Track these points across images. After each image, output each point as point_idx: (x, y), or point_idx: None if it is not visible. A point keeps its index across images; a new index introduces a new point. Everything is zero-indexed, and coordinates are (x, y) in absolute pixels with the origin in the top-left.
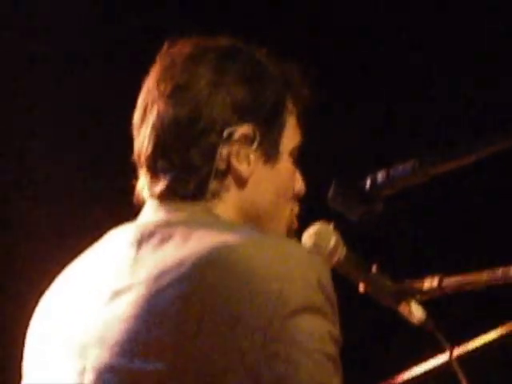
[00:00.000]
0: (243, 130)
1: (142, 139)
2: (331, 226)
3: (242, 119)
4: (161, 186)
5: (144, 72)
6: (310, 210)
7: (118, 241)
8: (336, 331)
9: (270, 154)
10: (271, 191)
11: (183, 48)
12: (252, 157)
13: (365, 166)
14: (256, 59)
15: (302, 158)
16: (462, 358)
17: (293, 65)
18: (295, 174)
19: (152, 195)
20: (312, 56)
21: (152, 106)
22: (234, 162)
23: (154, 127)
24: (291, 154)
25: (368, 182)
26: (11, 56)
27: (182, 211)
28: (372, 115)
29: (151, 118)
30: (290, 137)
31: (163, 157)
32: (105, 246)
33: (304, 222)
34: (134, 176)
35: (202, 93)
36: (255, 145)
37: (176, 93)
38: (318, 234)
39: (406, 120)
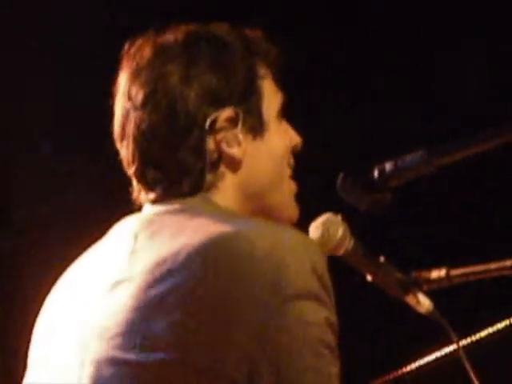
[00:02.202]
0: (225, 114)
1: (127, 153)
2: (339, 217)
3: (219, 105)
4: (155, 193)
5: None
6: (317, 202)
7: (119, 233)
8: (333, 317)
9: (256, 127)
10: (268, 162)
11: (144, 49)
12: (240, 136)
13: (372, 157)
14: (218, 40)
15: (309, 151)
16: (468, 348)
17: (254, 29)
18: (287, 132)
19: (149, 201)
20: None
21: (127, 117)
22: (225, 147)
23: (135, 140)
24: (278, 115)
25: (376, 173)
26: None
27: (180, 203)
28: (379, 107)
29: (130, 130)
30: (271, 101)
31: (153, 167)
32: (108, 239)
33: (312, 214)
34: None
35: (174, 91)
36: (240, 124)
37: (148, 100)
38: (325, 225)
39: (415, 111)
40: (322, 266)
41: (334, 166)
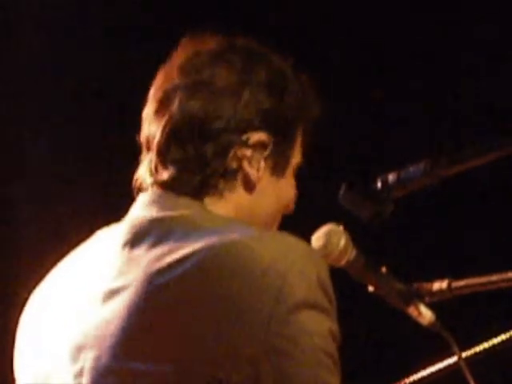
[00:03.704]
0: (260, 136)
1: (157, 125)
2: (341, 227)
3: (261, 125)
4: (167, 174)
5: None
6: (320, 212)
7: (110, 240)
8: (335, 327)
9: (278, 165)
10: (272, 204)
11: (207, 42)
12: (262, 164)
13: (375, 168)
14: (280, 68)
15: (312, 162)
16: (470, 360)
17: (307, 80)
18: (293, 188)
19: (156, 181)
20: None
21: (173, 95)
22: (246, 165)
23: (172, 117)
24: (294, 169)
25: (379, 183)
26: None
27: (178, 208)
28: (383, 118)
29: (172, 107)
30: (297, 153)
31: (178, 145)
32: (96, 246)
33: (314, 223)
34: (135, 165)
35: (227, 91)
36: (267, 153)
37: (200, 87)
38: (327, 235)
39: (419, 122)
40: (326, 276)
41: (337, 176)
